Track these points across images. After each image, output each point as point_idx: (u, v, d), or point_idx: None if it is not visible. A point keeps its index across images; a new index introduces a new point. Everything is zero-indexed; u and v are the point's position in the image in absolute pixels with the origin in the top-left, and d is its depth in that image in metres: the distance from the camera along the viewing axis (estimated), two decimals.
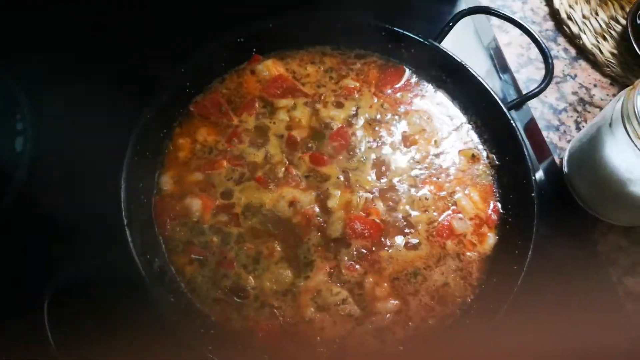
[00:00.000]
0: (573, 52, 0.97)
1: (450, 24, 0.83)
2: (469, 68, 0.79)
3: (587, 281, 0.78)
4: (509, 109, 0.77)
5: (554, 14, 1.00)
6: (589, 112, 0.91)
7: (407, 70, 0.84)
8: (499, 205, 0.76)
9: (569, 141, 0.88)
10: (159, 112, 0.74)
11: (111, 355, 0.65)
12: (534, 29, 0.81)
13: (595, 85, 0.94)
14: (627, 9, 0.98)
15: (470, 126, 0.81)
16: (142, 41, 0.81)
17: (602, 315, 0.75)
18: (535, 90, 0.80)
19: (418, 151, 0.78)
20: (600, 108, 0.91)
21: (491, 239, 0.74)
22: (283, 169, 0.75)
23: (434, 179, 0.77)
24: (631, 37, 0.91)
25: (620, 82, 0.93)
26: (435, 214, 0.74)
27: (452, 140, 0.80)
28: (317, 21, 0.83)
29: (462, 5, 0.98)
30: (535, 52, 0.92)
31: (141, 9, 0.91)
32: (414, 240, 0.73)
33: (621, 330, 0.75)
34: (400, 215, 0.74)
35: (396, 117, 0.81)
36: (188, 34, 0.83)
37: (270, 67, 0.81)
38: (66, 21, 0.88)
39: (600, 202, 0.80)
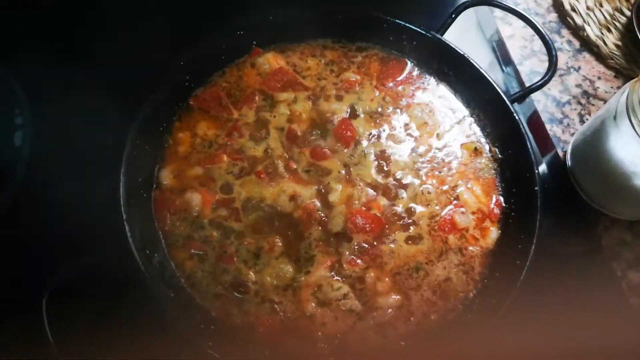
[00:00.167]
0: (577, 44, 0.96)
1: (453, 16, 0.82)
2: (471, 60, 0.78)
3: (591, 276, 0.77)
4: (512, 102, 0.77)
5: (557, 6, 0.99)
6: (593, 104, 0.90)
7: (409, 63, 0.83)
8: (502, 199, 0.76)
9: (572, 134, 0.87)
10: (158, 106, 0.74)
11: (111, 352, 0.64)
12: (537, 21, 0.80)
13: (599, 78, 0.93)
14: (632, 0, 0.96)
15: (472, 119, 0.81)
16: (142, 34, 0.80)
17: (606, 309, 0.74)
18: (538, 83, 0.79)
19: (420, 145, 0.78)
20: (604, 101, 0.90)
21: (494, 233, 0.73)
22: (283, 163, 0.74)
23: (436, 172, 0.76)
24: (636, 29, 0.90)
25: (624, 75, 0.92)
26: (437, 208, 0.74)
27: (454, 133, 0.79)
28: (318, 13, 0.82)
29: None
30: (538, 44, 0.92)
31: (140, 1, 0.90)
32: (416, 235, 0.72)
33: (625, 324, 0.74)
34: (401, 210, 0.73)
35: (398, 110, 0.80)
36: (187, 27, 0.82)
37: (271, 60, 0.81)
38: (65, 16, 0.87)
39: (604, 196, 0.79)
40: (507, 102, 0.76)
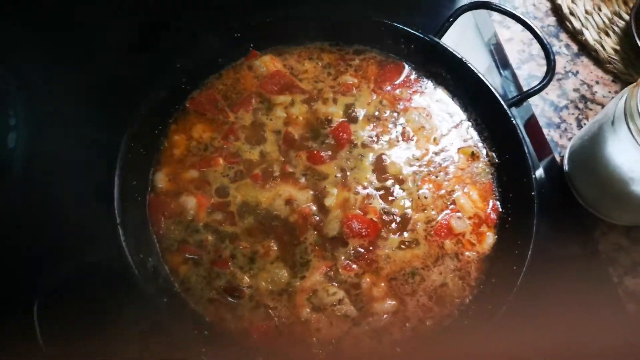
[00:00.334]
0: (575, 48, 0.96)
1: (451, 20, 0.81)
2: (469, 64, 0.78)
3: (588, 281, 0.77)
4: (510, 106, 0.76)
5: (556, 10, 0.99)
6: (591, 109, 0.90)
7: (406, 66, 0.83)
8: (499, 204, 0.75)
9: (570, 139, 0.87)
10: (154, 108, 0.73)
11: (102, 357, 0.63)
12: (535, 25, 0.80)
13: (597, 82, 0.93)
14: (631, 5, 0.96)
15: (470, 123, 0.80)
16: (138, 36, 0.80)
17: (602, 315, 0.74)
18: (536, 87, 0.78)
19: (417, 149, 0.77)
20: (602, 105, 0.90)
21: (490, 238, 0.73)
22: (280, 166, 0.74)
23: (433, 177, 0.76)
24: (634, 33, 0.89)
25: (622, 80, 0.92)
26: (433, 212, 0.73)
27: (451, 137, 0.79)
28: (315, 16, 0.81)
29: (463, 1, 0.96)
30: (536, 48, 0.92)
31: (137, 2, 0.89)
32: (412, 240, 0.72)
33: (622, 330, 0.74)
34: (398, 214, 0.73)
35: (395, 114, 0.79)
36: (184, 29, 0.81)
37: (268, 63, 0.80)
38: (60, 17, 0.86)
39: (601, 201, 0.79)
40: (505, 107, 0.75)
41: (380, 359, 0.66)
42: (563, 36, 0.97)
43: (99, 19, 0.86)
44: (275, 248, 0.70)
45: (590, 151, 0.76)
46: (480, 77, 0.77)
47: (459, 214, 0.73)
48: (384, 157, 0.76)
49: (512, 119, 0.75)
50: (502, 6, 0.82)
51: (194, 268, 0.69)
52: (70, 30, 0.86)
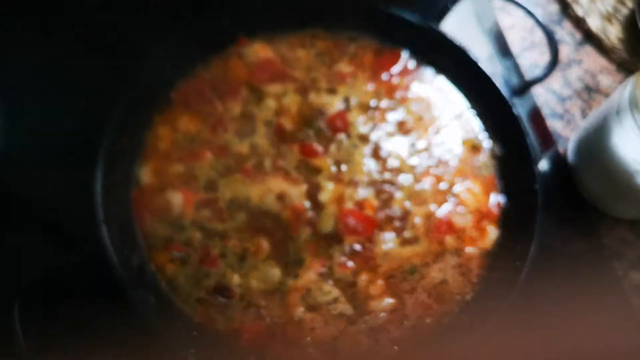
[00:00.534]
0: (578, 36, 0.93)
1: (450, 5, 0.79)
2: (469, 52, 0.76)
3: (592, 276, 0.76)
4: (512, 96, 0.74)
5: None
6: (595, 99, 0.88)
7: (404, 54, 0.80)
8: (501, 198, 0.73)
9: (573, 130, 0.85)
10: (137, 100, 0.70)
11: (87, 358, 0.61)
12: (537, 12, 0.77)
13: (601, 72, 0.90)
14: None
15: (470, 114, 0.78)
16: (119, 23, 0.76)
17: (607, 310, 0.73)
18: (539, 76, 0.76)
19: (415, 140, 0.75)
20: (607, 95, 0.87)
21: (492, 233, 0.71)
22: (271, 160, 0.71)
23: (433, 170, 0.73)
24: (638, 21, 0.87)
25: (627, 69, 0.89)
26: (433, 207, 0.71)
27: (451, 129, 0.76)
28: (307, 1, 0.78)
29: None
30: (539, 35, 0.89)
31: None
32: (411, 236, 0.69)
33: (627, 325, 0.73)
34: (396, 210, 0.70)
35: (392, 104, 0.77)
36: (167, 15, 0.78)
37: (258, 51, 0.77)
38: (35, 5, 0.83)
39: (606, 195, 0.77)
40: (506, 97, 0.73)
41: (377, 358, 0.65)
42: (566, 24, 0.94)
43: (78, 4, 0.82)
44: (267, 246, 0.67)
45: (594, 143, 0.74)
46: (480, 66, 0.75)
47: (460, 209, 0.71)
48: (381, 149, 0.74)
49: (514, 110, 0.73)
50: None
51: (182, 267, 0.66)
52: (45, 17, 0.82)
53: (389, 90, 0.78)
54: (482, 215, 0.72)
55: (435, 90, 0.79)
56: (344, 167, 0.72)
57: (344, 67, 0.78)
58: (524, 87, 0.78)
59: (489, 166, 0.75)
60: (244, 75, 0.76)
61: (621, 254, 0.77)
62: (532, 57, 0.90)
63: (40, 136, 0.73)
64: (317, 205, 0.69)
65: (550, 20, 0.94)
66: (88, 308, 0.64)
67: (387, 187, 0.72)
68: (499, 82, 0.74)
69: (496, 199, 0.73)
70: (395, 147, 0.74)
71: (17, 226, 0.70)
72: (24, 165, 0.73)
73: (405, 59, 0.80)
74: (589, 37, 0.92)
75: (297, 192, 0.70)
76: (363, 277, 0.67)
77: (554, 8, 0.96)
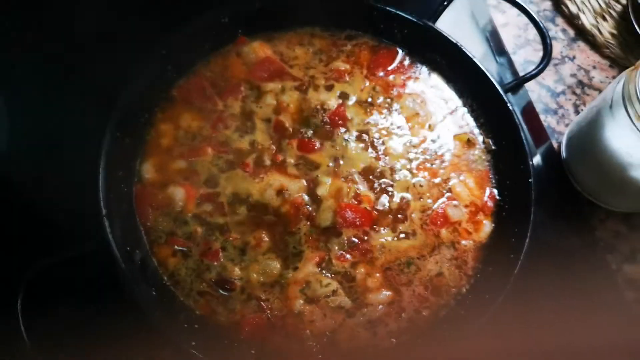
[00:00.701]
0: (572, 32, 0.94)
1: (445, 3, 0.79)
2: (464, 49, 0.76)
3: (586, 269, 0.76)
4: (506, 92, 0.75)
5: None
6: (588, 95, 0.89)
7: (400, 51, 0.81)
8: (495, 191, 0.74)
9: (567, 125, 0.86)
10: (139, 97, 0.71)
11: (90, 352, 0.62)
12: (531, 9, 0.78)
13: (594, 67, 0.91)
14: None
15: (465, 110, 0.79)
16: (121, 22, 0.77)
17: (601, 303, 0.73)
18: (532, 72, 0.77)
19: (412, 136, 0.76)
20: (600, 91, 0.88)
21: (487, 226, 0.72)
22: (270, 156, 0.72)
23: (428, 164, 0.74)
24: (632, 17, 0.88)
25: (620, 64, 0.91)
26: (429, 201, 0.72)
27: (446, 124, 0.77)
28: (305, 0, 0.79)
29: None
30: (532, 33, 0.90)
31: None
32: (408, 229, 0.70)
33: (620, 318, 0.73)
34: (393, 203, 0.71)
35: (389, 100, 0.78)
36: (169, 14, 0.79)
37: (257, 49, 0.78)
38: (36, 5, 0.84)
39: (599, 188, 0.78)
40: (501, 92, 0.74)
41: (375, 350, 0.65)
42: (559, 20, 0.95)
43: (76, 2, 0.83)
44: (267, 239, 0.68)
45: (588, 137, 0.75)
46: (475, 62, 0.76)
47: (455, 202, 0.72)
48: (377, 145, 0.74)
49: (509, 105, 0.73)
50: None
51: (183, 260, 0.67)
52: (47, 17, 0.83)
53: (386, 87, 0.79)
54: (477, 209, 0.72)
55: (430, 87, 0.80)
56: (341, 162, 0.73)
57: (342, 65, 0.79)
58: (518, 83, 0.79)
59: (484, 161, 0.76)
60: (244, 73, 0.77)
61: (615, 247, 0.78)
62: (525, 54, 0.91)
63: (42, 134, 0.74)
64: (316, 200, 0.70)
65: (544, 17, 0.95)
66: (90, 303, 0.65)
67: (383, 181, 0.73)
68: (493, 79, 0.75)
69: (491, 193, 0.74)
70: (391, 142, 0.75)
71: (21, 222, 0.71)
72: (26, 163, 0.73)
73: (402, 57, 0.81)
74: (582, 34, 0.93)
75: (296, 187, 0.70)
76: (361, 270, 0.68)
77: (547, 5, 0.97)
